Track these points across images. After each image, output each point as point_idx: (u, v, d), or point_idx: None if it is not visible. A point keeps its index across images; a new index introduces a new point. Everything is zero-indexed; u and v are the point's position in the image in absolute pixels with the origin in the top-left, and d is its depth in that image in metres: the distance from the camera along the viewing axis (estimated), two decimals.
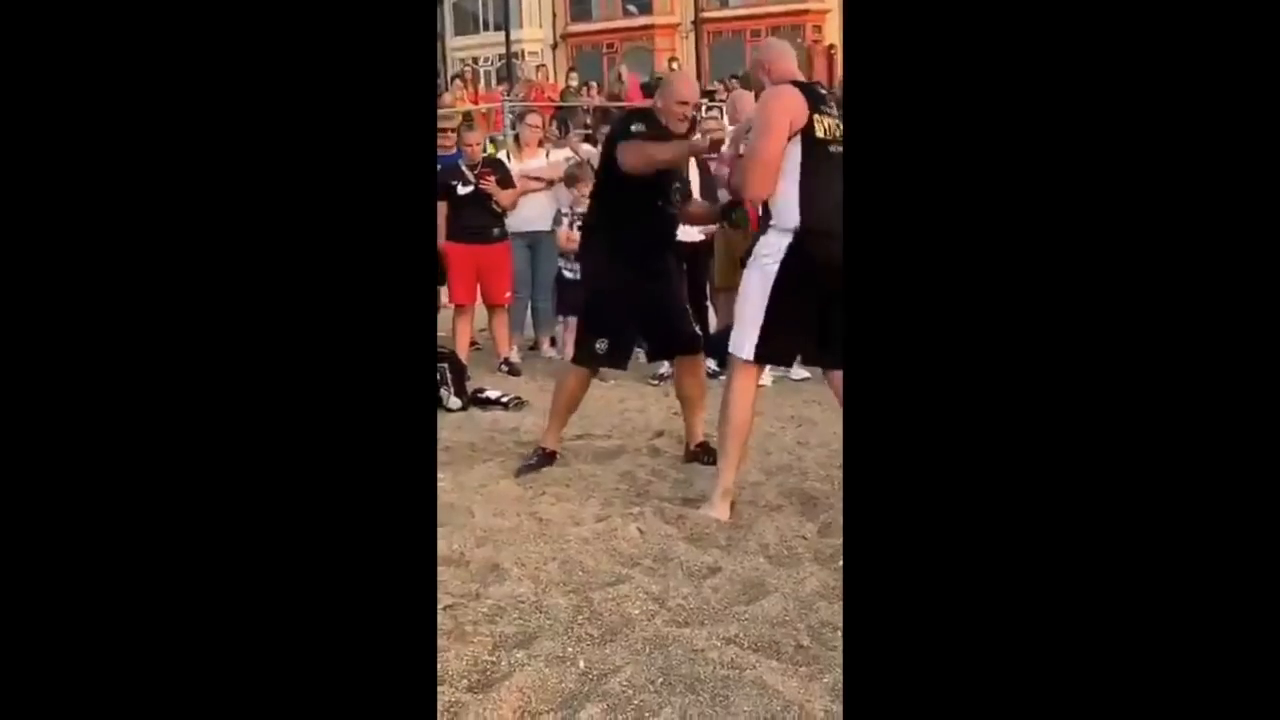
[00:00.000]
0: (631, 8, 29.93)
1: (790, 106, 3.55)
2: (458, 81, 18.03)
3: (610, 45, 29.30)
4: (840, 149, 3.62)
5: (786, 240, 3.57)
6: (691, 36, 28.52)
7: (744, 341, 3.69)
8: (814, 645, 2.68)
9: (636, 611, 2.86)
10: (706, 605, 2.93)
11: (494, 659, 2.61)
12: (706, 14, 29.26)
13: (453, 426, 5.05)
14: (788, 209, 3.57)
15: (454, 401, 5.53)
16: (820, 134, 3.55)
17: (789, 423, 5.17)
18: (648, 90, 14.68)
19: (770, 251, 3.62)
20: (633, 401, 5.75)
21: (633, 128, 4.15)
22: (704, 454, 4.32)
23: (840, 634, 2.73)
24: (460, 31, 32.04)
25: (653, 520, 3.66)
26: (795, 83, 3.67)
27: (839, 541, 3.40)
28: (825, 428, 4.95)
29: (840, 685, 2.44)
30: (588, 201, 6.38)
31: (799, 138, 3.53)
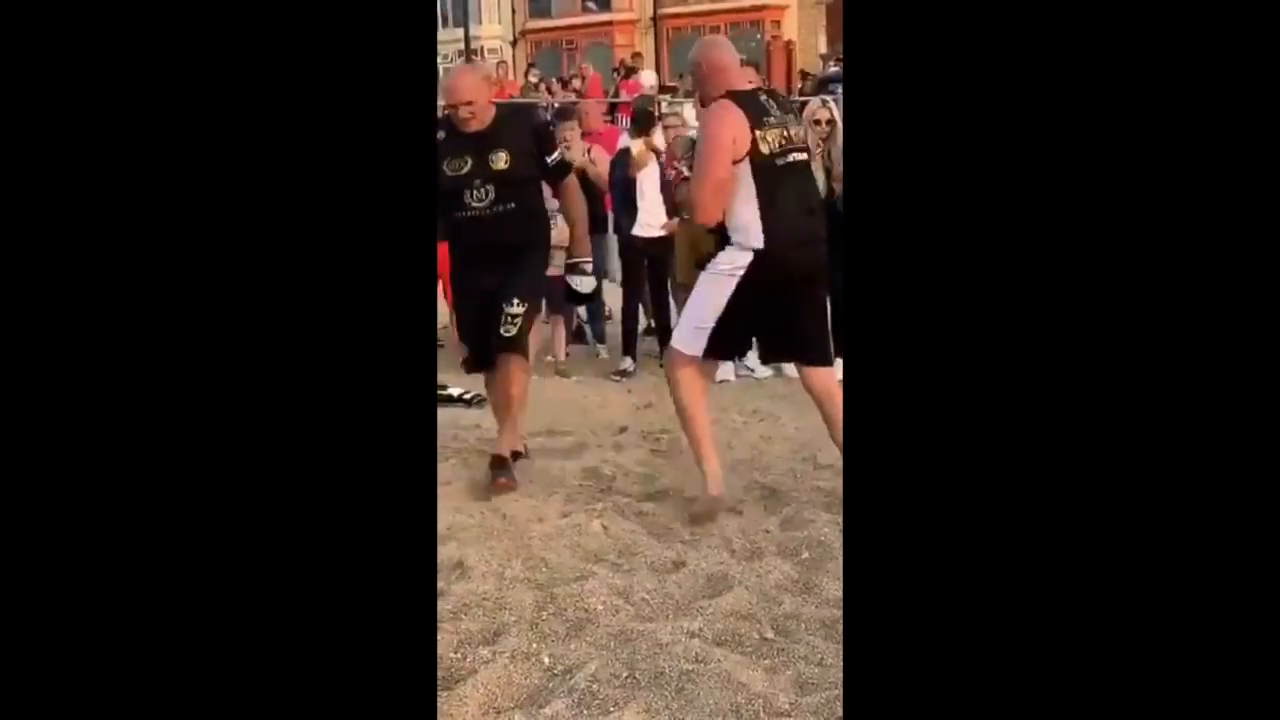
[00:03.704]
0: (590, 4, 29.85)
1: (732, 127, 3.51)
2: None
3: (570, 42, 29.21)
4: (795, 156, 3.59)
5: (748, 258, 3.56)
6: (651, 32, 28.54)
7: (691, 339, 3.72)
8: (778, 638, 2.69)
9: (601, 607, 2.87)
10: (670, 600, 2.94)
11: (458, 656, 2.61)
12: (665, 9, 29.26)
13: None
14: (749, 232, 3.56)
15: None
16: (766, 151, 3.52)
17: (751, 417, 5.19)
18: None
19: (729, 265, 3.62)
20: (594, 398, 5.75)
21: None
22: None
23: (804, 626, 2.75)
24: None
25: (616, 516, 3.66)
26: (735, 93, 3.61)
27: (802, 535, 3.42)
28: (788, 423, 4.97)
29: (803, 677, 2.46)
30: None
31: (746, 160, 3.51)
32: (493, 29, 30.37)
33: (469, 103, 3.96)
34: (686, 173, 3.93)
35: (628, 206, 6.24)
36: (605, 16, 28.78)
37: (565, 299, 4.55)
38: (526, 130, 4.18)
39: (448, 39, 29.55)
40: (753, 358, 6.20)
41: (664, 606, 2.90)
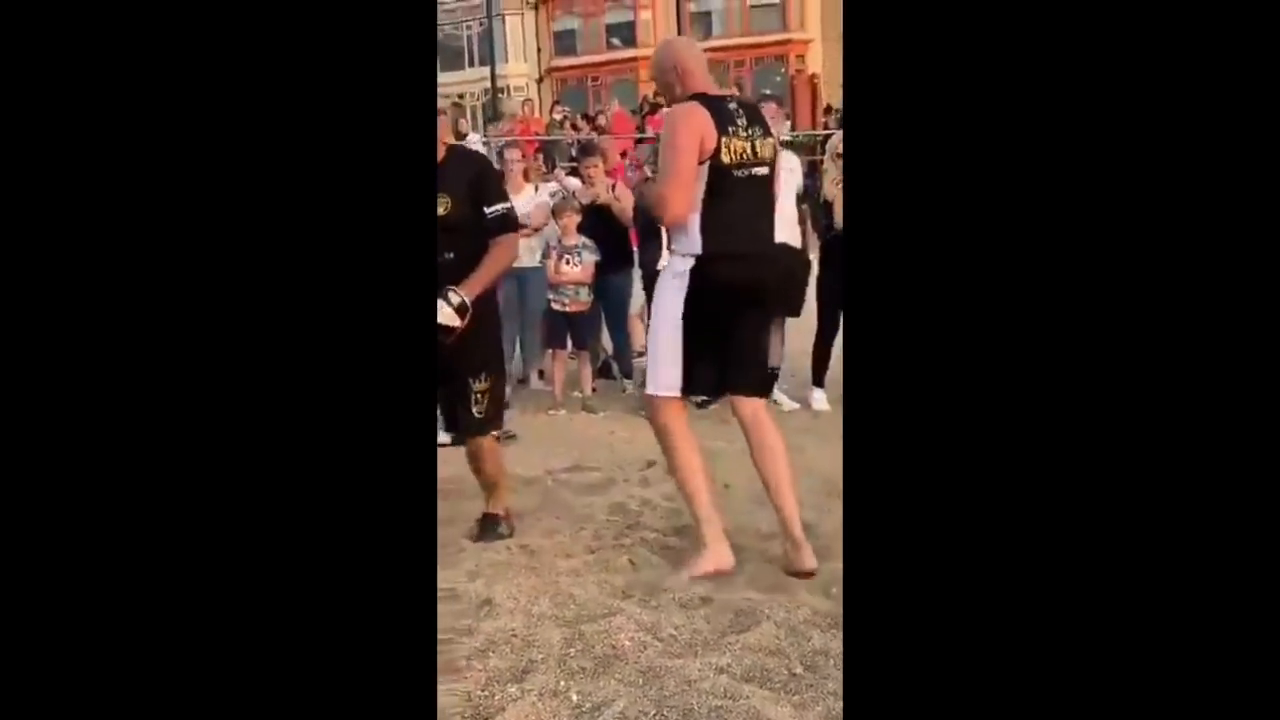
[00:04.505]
0: (615, 41, 30.12)
1: (699, 127, 3.36)
2: (441, 117, 18.01)
3: (595, 78, 29.47)
4: (756, 171, 3.44)
5: (689, 265, 3.43)
6: None
7: (664, 377, 3.50)
8: (806, 674, 2.68)
9: (629, 643, 2.86)
10: (699, 636, 2.93)
11: (487, 694, 2.61)
12: None
13: (442, 461, 5.02)
14: (688, 236, 3.43)
15: (443, 436, 5.46)
16: (727, 160, 3.37)
17: None
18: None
19: (672, 279, 3.48)
20: (623, 433, 5.76)
21: None
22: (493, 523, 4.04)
23: (833, 662, 2.74)
24: (446, 68, 32.25)
25: (644, 551, 3.66)
26: (705, 96, 3.46)
27: (830, 569, 3.40)
28: (814, 457, 4.95)
29: (833, 713, 2.44)
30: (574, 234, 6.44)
31: (706, 164, 3.36)
32: (519, 67, 30.67)
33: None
34: (650, 173, 3.69)
35: (650, 241, 6.26)
36: (630, 53, 29.01)
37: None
38: (471, 175, 3.81)
39: (474, 78, 29.85)
40: (777, 391, 6.21)
41: (692, 642, 2.89)
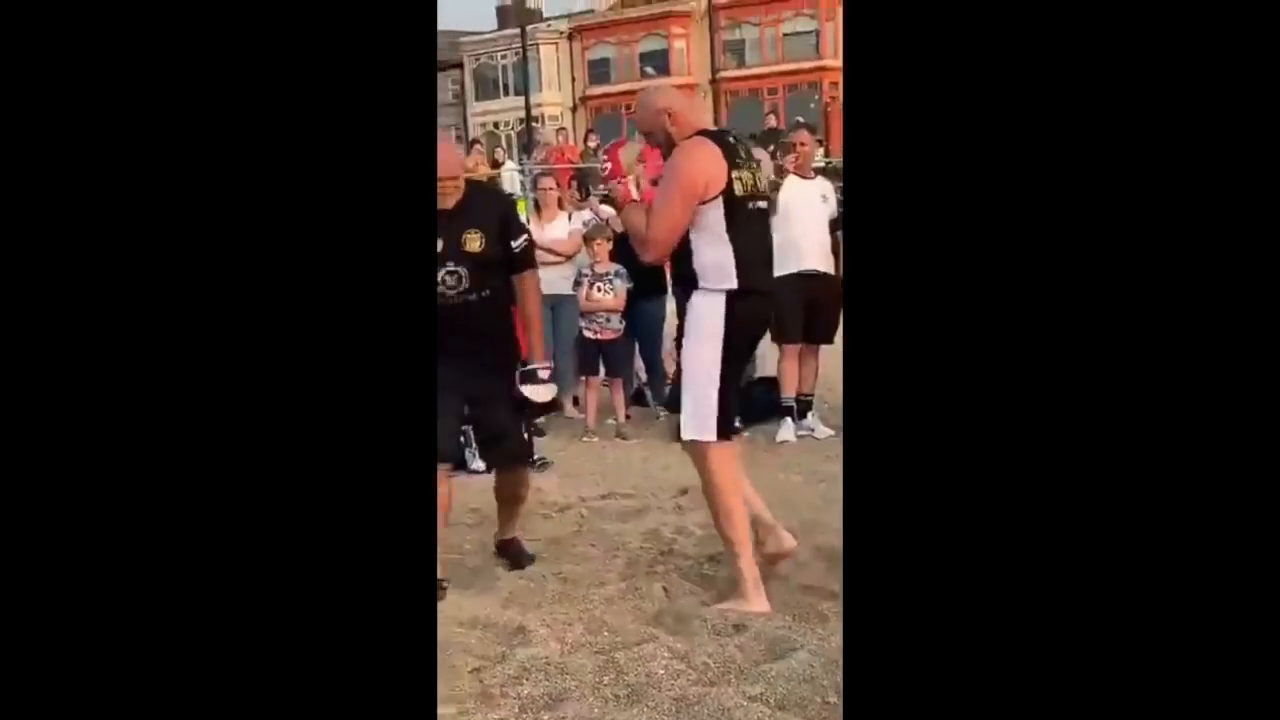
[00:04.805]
0: (649, 69, 30.29)
1: (709, 166, 3.30)
2: (477, 145, 18.16)
3: (629, 107, 29.59)
4: (759, 204, 3.45)
5: (720, 302, 3.35)
6: (709, 96, 28.83)
7: (705, 423, 3.40)
8: (841, 702, 2.66)
9: (662, 671, 2.86)
10: (732, 663, 2.92)
11: None
12: (723, 73, 29.60)
13: (478, 488, 5.04)
14: (722, 272, 3.34)
15: (478, 464, 5.45)
16: (740, 192, 3.33)
17: (811, 477, 5.16)
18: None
19: (707, 317, 3.38)
20: (657, 460, 5.75)
21: None
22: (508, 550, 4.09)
23: None
24: (482, 96, 32.57)
25: (677, 579, 3.65)
26: (707, 132, 3.45)
27: None
28: None
29: None
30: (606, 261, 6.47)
31: (719, 199, 3.31)
32: (553, 96, 30.91)
33: (453, 178, 3.68)
34: (635, 193, 3.54)
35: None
36: (664, 81, 29.18)
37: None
38: (500, 211, 3.83)
39: (509, 106, 30.10)
40: (813, 417, 6.20)
41: (726, 671, 2.88)
